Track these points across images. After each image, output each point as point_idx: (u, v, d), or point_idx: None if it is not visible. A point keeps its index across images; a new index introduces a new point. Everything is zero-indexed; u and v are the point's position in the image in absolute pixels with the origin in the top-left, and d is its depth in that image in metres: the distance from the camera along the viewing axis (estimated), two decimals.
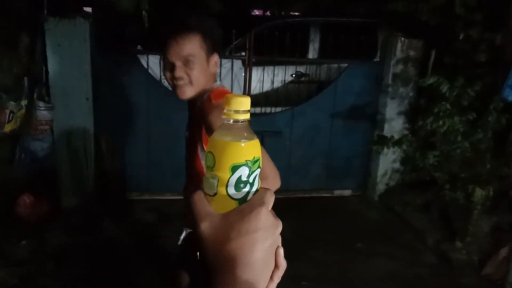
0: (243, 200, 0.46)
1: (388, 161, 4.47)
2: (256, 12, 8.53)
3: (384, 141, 3.60)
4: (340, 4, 6.03)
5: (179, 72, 1.39)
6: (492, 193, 3.34)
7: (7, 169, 3.51)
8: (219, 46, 1.49)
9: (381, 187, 4.56)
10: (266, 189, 0.48)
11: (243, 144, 0.46)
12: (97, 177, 3.82)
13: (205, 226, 0.45)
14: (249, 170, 0.46)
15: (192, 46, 1.38)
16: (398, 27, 4.33)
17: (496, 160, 3.45)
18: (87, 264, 3.12)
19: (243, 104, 0.47)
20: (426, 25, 4.03)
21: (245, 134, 0.47)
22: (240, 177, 0.45)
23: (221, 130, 0.47)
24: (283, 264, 0.47)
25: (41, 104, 3.47)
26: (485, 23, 3.77)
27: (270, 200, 0.47)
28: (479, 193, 3.25)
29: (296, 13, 7.54)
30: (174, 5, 5.52)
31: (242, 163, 0.45)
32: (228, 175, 0.45)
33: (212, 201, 0.47)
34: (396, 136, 3.64)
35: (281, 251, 0.48)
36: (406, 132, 4.24)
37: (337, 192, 4.74)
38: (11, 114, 3.31)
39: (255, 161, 0.46)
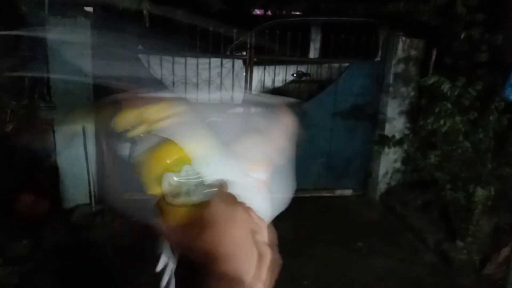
0: (198, 193, 0.45)
1: (389, 161, 4.46)
2: (257, 12, 8.52)
3: (385, 140, 3.59)
4: (341, 4, 6.03)
5: None
6: (493, 193, 3.33)
7: (7, 169, 3.51)
8: None
9: (382, 187, 4.55)
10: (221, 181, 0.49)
11: (153, 156, 0.44)
12: (98, 177, 3.82)
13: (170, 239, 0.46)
14: (175, 173, 0.44)
15: None
16: (399, 26, 4.32)
17: (497, 160, 3.44)
18: (87, 263, 3.12)
19: (125, 122, 0.45)
20: (427, 25, 4.03)
21: (152, 145, 0.45)
22: (170, 182, 0.44)
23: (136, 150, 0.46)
24: (266, 251, 0.47)
25: (42, 103, 3.46)
26: (486, 23, 3.77)
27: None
28: (480, 193, 3.24)
29: (297, 13, 7.54)
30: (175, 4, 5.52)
31: (163, 171, 0.43)
32: (159, 188, 0.44)
33: (172, 211, 0.46)
34: (397, 136, 3.63)
35: (261, 238, 0.47)
36: (407, 131, 4.23)
37: (338, 192, 4.72)
38: (12, 114, 3.31)
39: (177, 161, 0.44)
